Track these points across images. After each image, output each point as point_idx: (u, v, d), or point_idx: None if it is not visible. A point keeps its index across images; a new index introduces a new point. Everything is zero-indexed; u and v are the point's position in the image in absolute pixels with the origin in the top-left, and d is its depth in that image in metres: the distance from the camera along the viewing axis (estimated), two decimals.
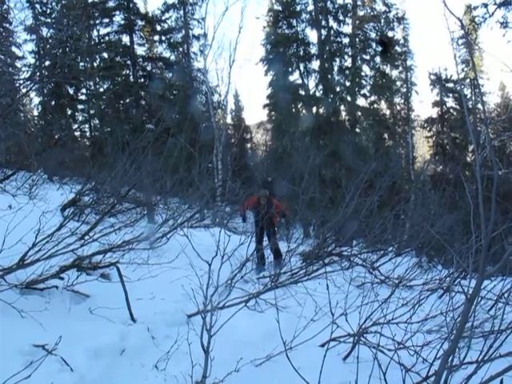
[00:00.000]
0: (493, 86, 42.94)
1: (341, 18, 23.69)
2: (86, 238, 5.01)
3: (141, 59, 22.71)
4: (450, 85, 25.28)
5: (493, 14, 15.03)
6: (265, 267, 7.14)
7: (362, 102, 24.36)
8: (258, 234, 6.97)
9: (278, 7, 24.38)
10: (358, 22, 23.68)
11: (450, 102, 25.59)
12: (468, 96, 24.67)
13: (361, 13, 23.92)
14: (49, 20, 18.85)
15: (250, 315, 4.69)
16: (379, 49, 23.43)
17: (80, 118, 23.37)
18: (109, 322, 3.89)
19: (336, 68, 24.08)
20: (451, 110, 25.57)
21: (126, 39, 22.33)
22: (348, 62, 24.11)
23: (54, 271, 4.07)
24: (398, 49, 24.86)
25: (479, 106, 24.31)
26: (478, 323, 3.70)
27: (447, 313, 3.16)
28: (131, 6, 21.89)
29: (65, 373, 2.94)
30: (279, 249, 7.25)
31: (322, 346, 3.83)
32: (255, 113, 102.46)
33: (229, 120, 29.45)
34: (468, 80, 24.48)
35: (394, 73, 25.12)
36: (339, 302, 3.36)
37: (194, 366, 2.88)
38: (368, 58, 24.00)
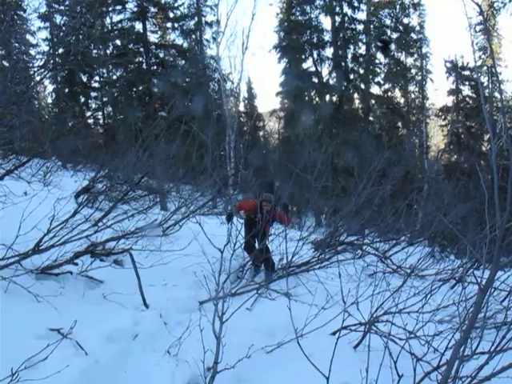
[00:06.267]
0: (510, 73, 42.03)
1: (355, 4, 23.42)
2: (100, 224, 5.05)
3: (153, 46, 22.72)
4: (467, 72, 24.85)
5: None
6: (260, 268, 6.07)
7: (375, 89, 24.25)
8: (248, 242, 5.69)
9: None
10: (372, 8, 23.36)
11: (466, 90, 25.21)
12: (485, 84, 24.22)
13: None
14: (62, 7, 18.88)
15: (261, 303, 4.72)
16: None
17: (93, 106, 23.66)
18: (122, 307, 3.94)
19: (350, 55, 23.93)
20: (467, 99, 25.16)
21: (138, 26, 22.44)
22: (362, 50, 23.95)
23: (69, 257, 4.12)
24: (413, 36, 24.49)
25: (496, 94, 23.88)
26: (491, 314, 3.67)
27: (459, 303, 3.14)
28: None
29: (80, 356, 2.99)
30: (271, 257, 5.96)
31: (333, 334, 3.84)
32: (268, 101, 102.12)
33: (241, 108, 29.43)
34: (485, 68, 24.01)
35: (409, 60, 24.86)
36: (351, 291, 3.36)
37: (206, 352, 2.90)
38: (382, 45, 23.69)
